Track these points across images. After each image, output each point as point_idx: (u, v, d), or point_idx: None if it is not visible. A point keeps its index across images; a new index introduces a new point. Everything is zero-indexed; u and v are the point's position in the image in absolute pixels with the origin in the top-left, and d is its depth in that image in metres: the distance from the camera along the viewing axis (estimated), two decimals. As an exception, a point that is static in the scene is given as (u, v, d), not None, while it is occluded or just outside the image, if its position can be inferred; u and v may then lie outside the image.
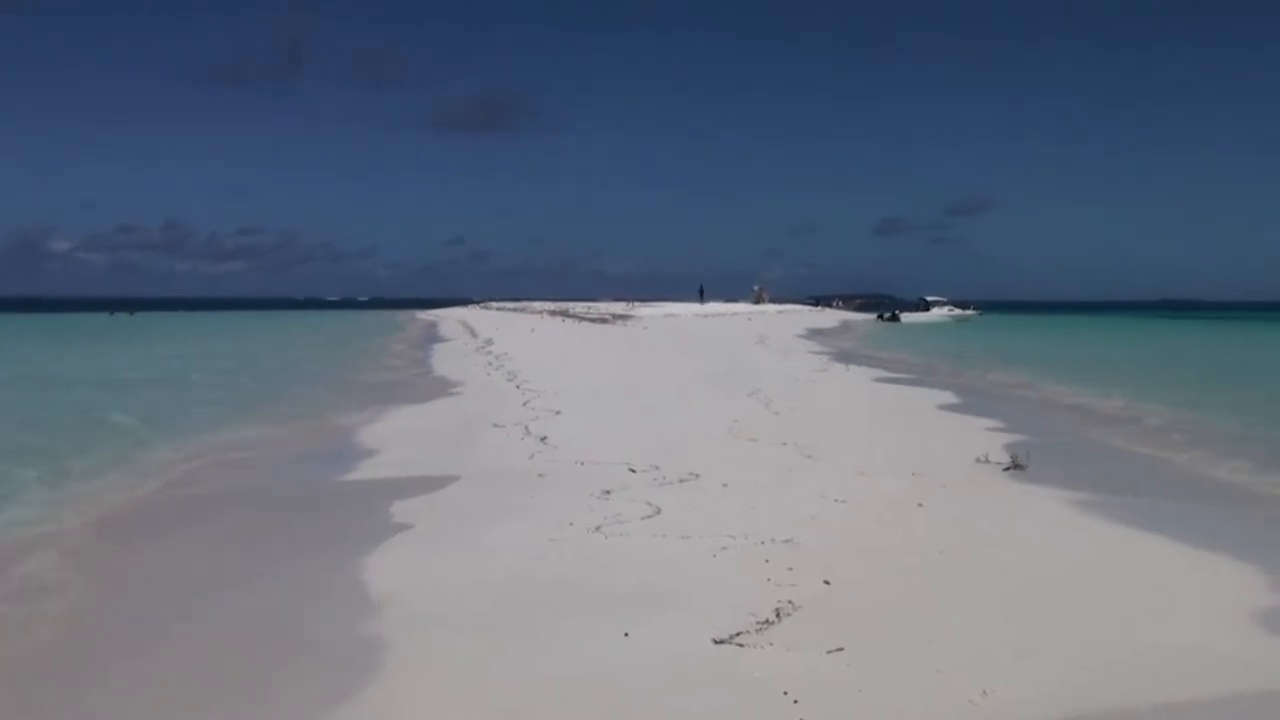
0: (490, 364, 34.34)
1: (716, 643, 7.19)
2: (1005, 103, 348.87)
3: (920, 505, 11.82)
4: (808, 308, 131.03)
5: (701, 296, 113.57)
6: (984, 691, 6.33)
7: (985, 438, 17.56)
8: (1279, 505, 12.72)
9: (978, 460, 15.05)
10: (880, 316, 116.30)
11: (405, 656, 7.11)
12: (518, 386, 25.73)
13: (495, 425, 18.49)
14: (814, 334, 69.76)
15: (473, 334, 58.61)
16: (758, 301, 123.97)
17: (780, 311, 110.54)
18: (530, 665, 6.89)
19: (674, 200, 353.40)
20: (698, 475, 13.32)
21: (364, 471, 14.55)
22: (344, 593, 8.66)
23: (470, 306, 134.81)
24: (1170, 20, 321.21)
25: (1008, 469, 14.49)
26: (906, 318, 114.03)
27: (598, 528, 10.51)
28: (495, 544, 10.06)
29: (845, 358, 41.84)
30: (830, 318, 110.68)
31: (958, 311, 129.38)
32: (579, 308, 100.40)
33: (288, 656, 7.23)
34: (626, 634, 7.40)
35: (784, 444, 16.13)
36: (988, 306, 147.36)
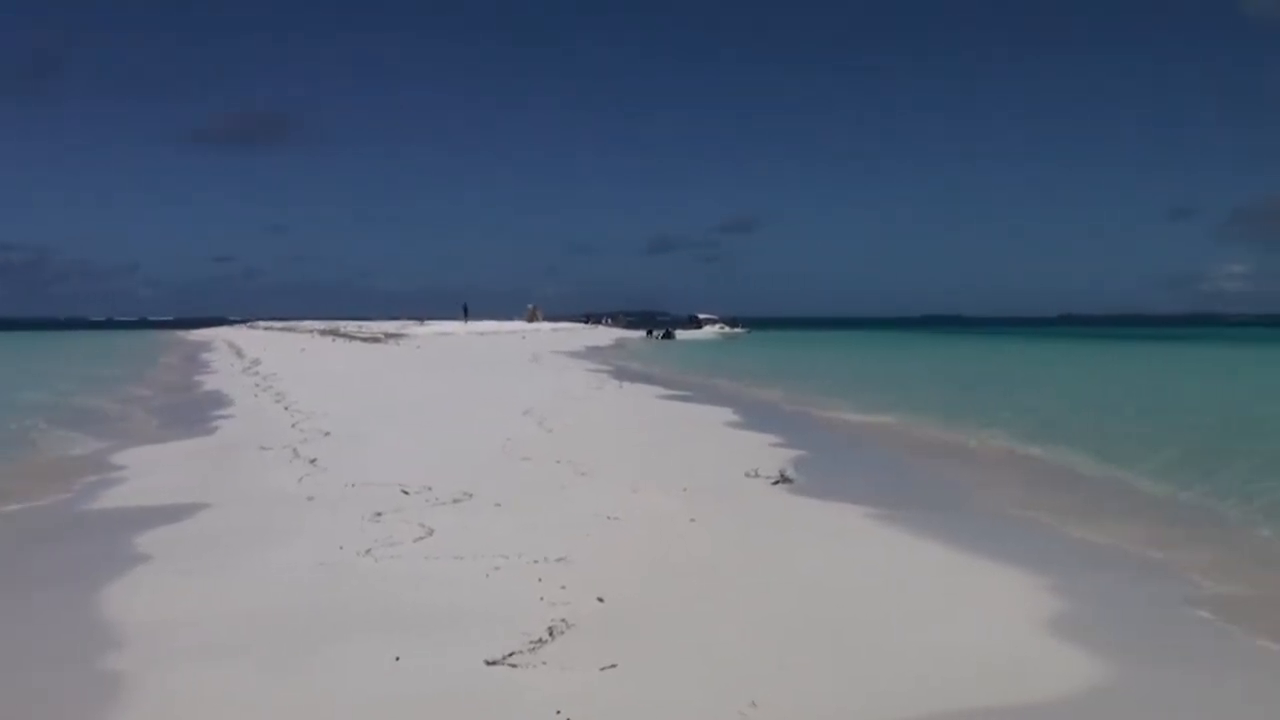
0: (258, 385, 33.19)
1: (489, 664, 7.05)
2: (776, 121, 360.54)
3: (692, 520, 11.94)
4: (582, 325, 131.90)
5: (465, 314, 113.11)
6: (753, 703, 6.40)
7: (760, 453, 17.94)
8: (1056, 518, 13.12)
9: (748, 475, 15.36)
10: (650, 333, 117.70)
11: (149, 692, 6.60)
12: (286, 408, 24.92)
13: (262, 448, 17.83)
14: (588, 352, 70.14)
15: (239, 355, 56.62)
16: (531, 319, 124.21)
17: (554, 329, 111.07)
18: (293, 694, 6.54)
19: (449, 218, 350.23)
20: (471, 495, 13.13)
21: (111, 500, 13.63)
22: (81, 628, 8.01)
23: (237, 326, 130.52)
24: (935, 40, 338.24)
25: (776, 483, 14.84)
26: (680, 335, 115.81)
27: (368, 551, 10.19)
28: (259, 570, 9.59)
29: (620, 375, 42.18)
30: (604, 335, 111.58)
31: (727, 329, 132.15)
32: (350, 327, 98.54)
33: (16, 698, 6.63)
34: (398, 658, 7.15)
35: (558, 462, 16.09)
36: (758, 323, 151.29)
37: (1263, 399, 31.26)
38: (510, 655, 7.19)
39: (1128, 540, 11.74)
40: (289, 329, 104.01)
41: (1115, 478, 16.18)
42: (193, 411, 25.93)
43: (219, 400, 28.84)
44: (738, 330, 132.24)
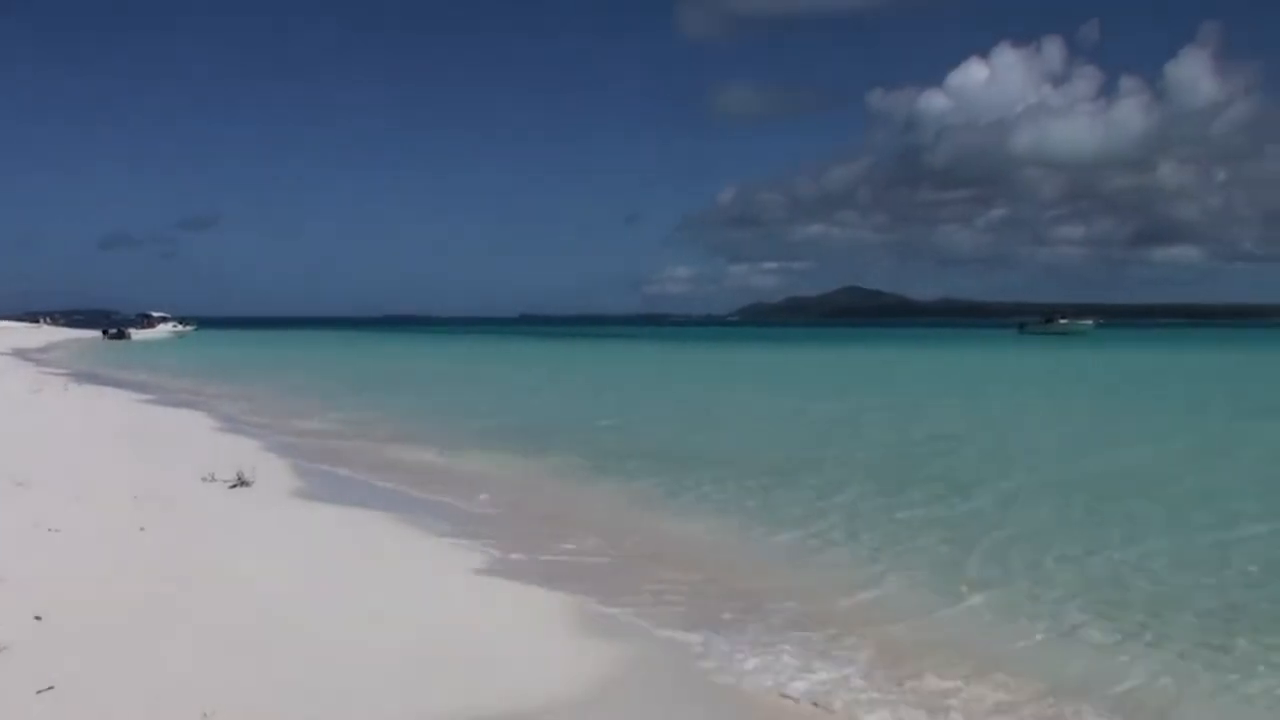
0: None
1: (-100, 700, 6.26)
2: (234, 119, 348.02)
3: (142, 529, 11.21)
4: (24, 325, 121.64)
5: None
6: (204, 714, 6.14)
7: (220, 456, 17.07)
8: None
9: (204, 480, 14.69)
10: (106, 333, 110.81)
11: None
12: None
13: None
14: (32, 352, 64.20)
15: None
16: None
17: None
18: None
19: None
20: (-119, 513, 11.54)
21: None
22: None
23: None
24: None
25: (234, 486, 14.34)
26: (136, 334, 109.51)
27: None
28: None
29: (69, 377, 39.12)
30: (49, 335, 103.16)
31: (180, 327, 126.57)
32: None
33: None
34: None
35: (-9, 471, 14.52)
36: (213, 322, 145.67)
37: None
38: (-73, 688, 6.41)
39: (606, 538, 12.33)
40: None
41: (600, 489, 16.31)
42: None
43: None
44: (188, 328, 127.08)
